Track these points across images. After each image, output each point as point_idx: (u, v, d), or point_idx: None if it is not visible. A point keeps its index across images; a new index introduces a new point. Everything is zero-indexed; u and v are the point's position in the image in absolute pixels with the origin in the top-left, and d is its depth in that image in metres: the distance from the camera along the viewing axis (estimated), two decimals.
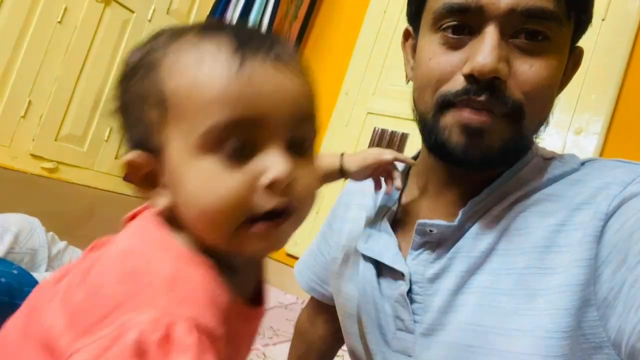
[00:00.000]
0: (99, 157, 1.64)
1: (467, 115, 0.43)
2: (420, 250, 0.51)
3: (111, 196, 1.67)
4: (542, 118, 0.47)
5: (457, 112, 0.44)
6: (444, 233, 0.49)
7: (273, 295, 1.77)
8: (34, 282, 0.94)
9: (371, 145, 1.89)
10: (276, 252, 2.11)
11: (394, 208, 0.59)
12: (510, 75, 0.43)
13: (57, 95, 1.48)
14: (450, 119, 0.45)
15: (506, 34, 0.43)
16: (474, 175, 0.49)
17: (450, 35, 0.45)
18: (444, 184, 0.52)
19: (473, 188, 0.49)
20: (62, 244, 1.18)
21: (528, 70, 0.43)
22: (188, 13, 1.81)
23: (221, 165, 0.33)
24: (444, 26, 0.45)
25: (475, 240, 0.47)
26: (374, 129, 1.91)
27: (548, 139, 1.59)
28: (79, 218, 1.56)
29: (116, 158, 1.70)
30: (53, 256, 1.13)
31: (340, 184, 0.70)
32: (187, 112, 0.34)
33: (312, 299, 0.78)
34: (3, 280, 0.86)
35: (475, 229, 0.48)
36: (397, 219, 0.58)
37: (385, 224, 0.57)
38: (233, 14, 1.78)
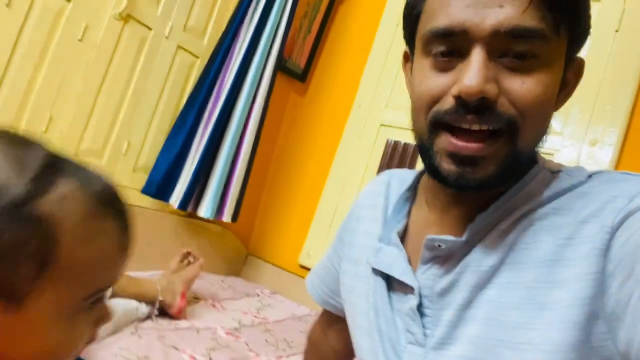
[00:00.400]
0: (117, 171, 1.68)
1: (456, 142, 0.44)
2: (429, 265, 0.52)
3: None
4: (538, 134, 0.47)
5: (448, 136, 0.45)
6: (452, 248, 0.50)
7: (286, 307, 1.78)
8: None
9: (384, 157, 1.90)
10: (289, 263, 2.11)
11: (404, 222, 0.59)
12: (501, 94, 0.43)
13: (77, 110, 1.53)
14: (442, 143, 0.45)
15: (494, 54, 0.43)
16: (478, 194, 0.50)
17: (440, 59, 0.45)
18: (451, 199, 0.52)
19: (480, 203, 0.50)
20: None
21: (520, 87, 0.43)
22: (204, 30, 1.85)
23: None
24: (433, 51, 0.46)
25: (483, 255, 0.48)
26: (387, 140, 1.92)
27: (563, 151, 1.58)
28: None
29: (133, 171, 1.73)
30: None
31: (352, 197, 0.71)
32: None
33: (325, 310, 0.78)
34: None
35: (483, 243, 0.48)
36: (407, 232, 0.59)
37: (395, 238, 0.57)
38: (247, 30, 1.81)
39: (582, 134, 1.54)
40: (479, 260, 0.48)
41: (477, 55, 0.43)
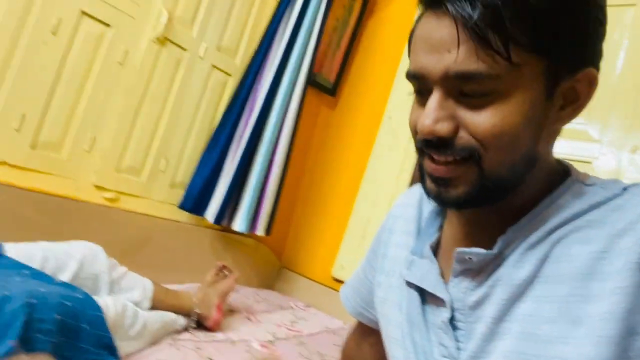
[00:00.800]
0: (155, 187, 1.74)
1: (432, 165, 0.50)
2: (460, 278, 0.52)
3: (166, 223, 1.76)
4: (505, 158, 0.47)
5: (428, 160, 0.50)
6: (483, 261, 0.50)
7: (320, 320, 1.78)
8: (97, 306, 1.00)
9: (416, 168, 1.89)
10: (322, 276, 2.11)
11: (437, 235, 0.60)
12: (462, 127, 0.47)
13: (118, 130, 1.60)
14: (425, 165, 0.51)
15: (452, 94, 0.47)
16: (504, 205, 0.50)
17: (417, 96, 0.52)
18: (479, 213, 0.53)
19: (511, 215, 0.50)
20: (122, 269, 1.25)
21: (476, 120, 0.46)
22: (237, 49, 1.91)
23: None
24: (413, 89, 0.52)
25: (515, 269, 0.48)
26: None
27: (602, 159, 1.54)
28: (137, 244, 1.65)
29: (171, 187, 1.79)
30: (114, 281, 1.20)
31: (384, 209, 0.72)
32: None
33: (359, 323, 0.79)
34: (69, 304, 0.93)
35: (514, 256, 0.48)
36: (440, 245, 0.59)
37: (428, 250, 0.58)
38: (278, 47, 1.85)
39: (622, 141, 1.50)
40: (510, 274, 0.48)
41: (432, 97, 0.48)
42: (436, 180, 0.50)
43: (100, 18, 1.50)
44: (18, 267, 1.04)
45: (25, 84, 1.38)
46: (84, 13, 1.46)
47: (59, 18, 1.41)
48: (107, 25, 1.52)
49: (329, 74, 2.20)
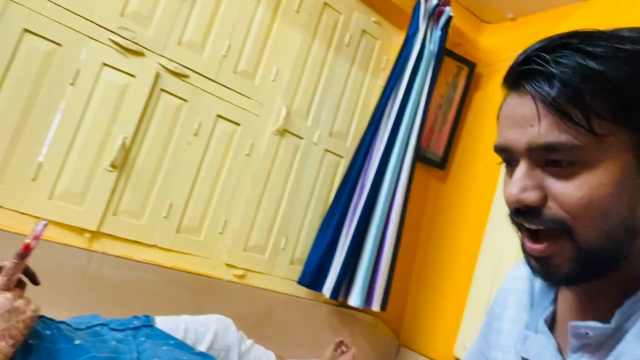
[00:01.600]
0: (277, 264, 1.87)
1: (528, 244, 0.51)
2: (579, 354, 0.51)
3: (287, 298, 1.86)
4: (600, 230, 0.46)
5: (524, 236, 0.51)
6: (601, 335, 0.48)
7: None
8: None
9: None
10: (444, 356, 2.01)
11: (551, 308, 0.59)
12: (550, 198, 0.47)
13: (246, 213, 1.79)
14: (523, 243, 0.51)
15: (538, 164, 0.48)
16: (617, 276, 0.49)
17: (507, 167, 0.54)
18: (592, 283, 0.52)
19: (627, 285, 0.48)
20: (249, 341, 1.34)
21: (564, 190, 0.46)
22: (347, 132, 2.06)
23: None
24: (503, 161, 0.54)
25: (638, 343, 0.46)
26: None
27: None
28: (261, 318, 1.77)
29: (291, 264, 1.91)
30: (242, 353, 1.30)
31: (498, 281, 0.72)
32: None
33: None
34: None
35: (636, 330, 0.47)
36: (556, 319, 0.58)
37: (542, 325, 0.57)
38: (385, 128, 1.96)
39: None
40: (633, 349, 0.46)
41: (519, 167, 0.49)
42: (536, 259, 0.51)
43: (232, 119, 1.76)
44: (165, 337, 1.19)
45: (172, 179, 1.64)
46: (219, 116, 1.73)
47: (200, 122, 1.68)
48: (238, 124, 1.77)
49: (437, 148, 2.24)
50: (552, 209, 0.48)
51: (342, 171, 2.02)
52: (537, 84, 0.47)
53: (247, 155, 1.79)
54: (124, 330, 1.07)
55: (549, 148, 0.47)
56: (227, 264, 1.75)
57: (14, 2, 1.36)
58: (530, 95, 0.48)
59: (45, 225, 0.82)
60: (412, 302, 2.20)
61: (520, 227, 0.52)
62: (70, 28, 1.45)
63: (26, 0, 1.38)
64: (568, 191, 0.46)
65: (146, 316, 1.17)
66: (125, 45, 1.53)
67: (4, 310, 0.74)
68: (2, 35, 1.35)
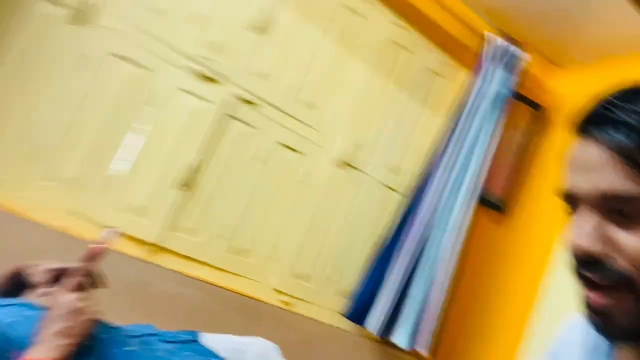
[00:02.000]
0: (324, 294, 1.87)
1: (588, 294, 0.48)
2: None
3: (331, 330, 1.84)
4: None
5: (584, 287, 0.48)
6: None
7: None
8: None
9: None
10: None
11: None
12: (615, 250, 0.45)
13: (296, 240, 1.82)
14: (583, 293, 0.49)
15: (604, 213, 0.46)
16: None
17: (572, 217, 0.50)
18: None
19: None
20: None
21: (632, 243, 0.44)
22: (403, 168, 2.05)
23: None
24: (568, 209, 0.51)
25: None
26: None
27: None
28: (304, 347, 1.75)
29: (338, 295, 1.90)
30: None
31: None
32: None
33: None
34: None
35: None
36: None
37: None
38: (447, 167, 1.93)
39: None
40: None
41: (585, 216, 0.48)
42: (594, 311, 0.48)
43: (293, 147, 1.81)
44: (209, 355, 1.20)
45: (232, 201, 1.70)
46: (282, 144, 1.79)
47: (263, 149, 1.75)
48: (299, 152, 1.82)
49: (498, 191, 2.17)
50: (618, 262, 0.46)
51: (396, 207, 2.00)
52: (608, 131, 0.46)
53: (304, 183, 1.83)
54: (173, 343, 1.10)
55: (613, 198, 0.45)
56: (275, 289, 1.77)
57: (101, 27, 1.50)
58: (599, 143, 0.47)
59: (115, 233, 0.87)
60: (462, 348, 2.10)
61: (582, 278, 0.50)
62: (152, 53, 1.57)
63: (114, 23, 1.52)
64: (632, 244, 0.45)
65: (192, 332, 1.20)
66: (202, 72, 1.63)
67: (68, 310, 0.78)
68: (89, 57, 1.49)
